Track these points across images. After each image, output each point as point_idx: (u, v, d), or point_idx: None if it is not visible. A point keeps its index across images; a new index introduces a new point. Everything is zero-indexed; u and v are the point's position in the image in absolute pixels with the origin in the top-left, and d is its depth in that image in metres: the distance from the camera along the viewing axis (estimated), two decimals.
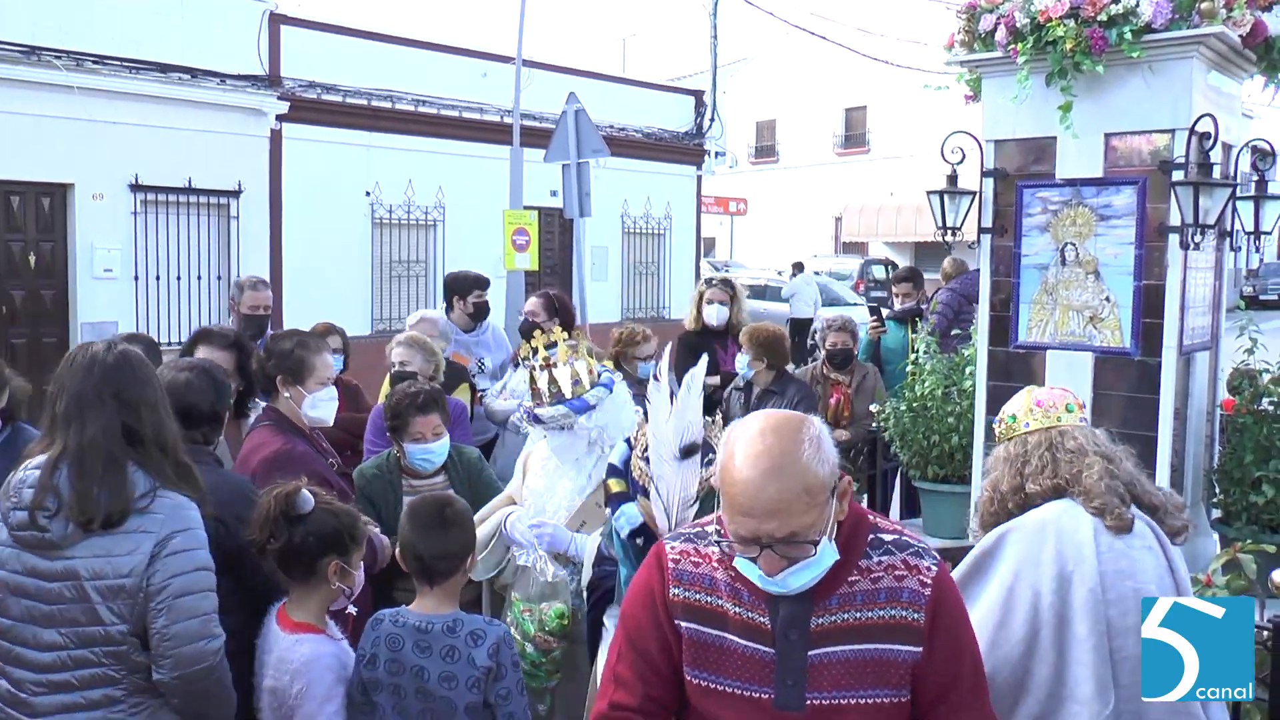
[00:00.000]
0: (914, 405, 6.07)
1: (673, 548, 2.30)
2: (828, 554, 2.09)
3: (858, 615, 2.15)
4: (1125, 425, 4.74)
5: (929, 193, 5.25)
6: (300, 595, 2.97)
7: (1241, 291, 29.32)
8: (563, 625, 3.70)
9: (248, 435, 3.92)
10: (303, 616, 2.97)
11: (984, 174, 5.04)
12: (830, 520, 2.09)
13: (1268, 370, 4.89)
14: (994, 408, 5.34)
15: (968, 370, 5.93)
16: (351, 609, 3.08)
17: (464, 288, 7.01)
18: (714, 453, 2.87)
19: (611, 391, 3.95)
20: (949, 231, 5.18)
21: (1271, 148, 4.98)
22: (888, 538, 2.22)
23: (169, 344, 12.52)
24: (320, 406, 3.84)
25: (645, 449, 3.16)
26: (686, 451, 3.01)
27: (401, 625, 2.93)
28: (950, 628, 2.18)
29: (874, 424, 6.32)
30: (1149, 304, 4.67)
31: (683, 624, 2.22)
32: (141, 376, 2.76)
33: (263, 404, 4.22)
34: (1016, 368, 5.19)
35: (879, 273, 28.12)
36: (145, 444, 2.69)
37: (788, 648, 2.15)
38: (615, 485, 3.43)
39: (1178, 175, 4.43)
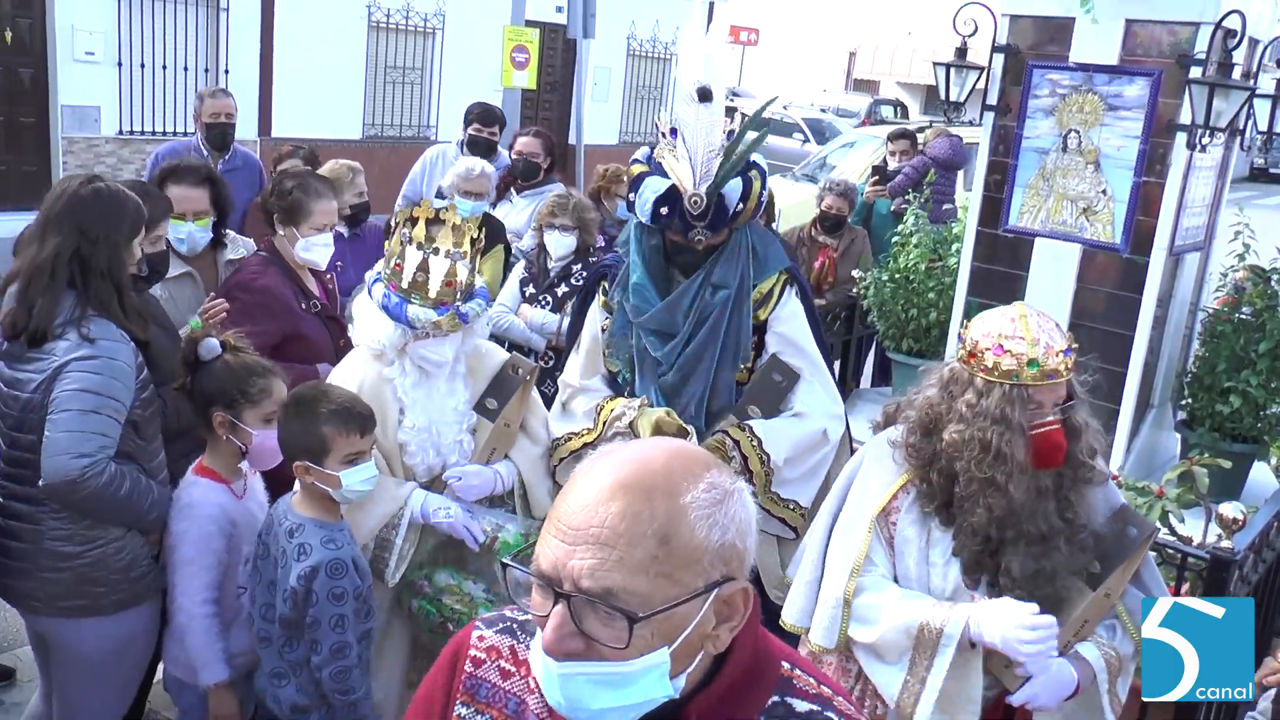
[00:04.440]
0: (896, 276, 5.98)
1: (480, 639, 1.51)
2: (653, 678, 1.26)
3: None
4: (1104, 322, 4.69)
5: (935, 64, 5.02)
6: (211, 443, 2.97)
7: (1252, 164, 26.59)
8: (526, 540, 3.07)
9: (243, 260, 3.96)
10: (211, 464, 2.96)
11: (995, 49, 4.81)
12: (686, 633, 1.26)
13: (1254, 279, 4.79)
14: (977, 290, 5.27)
15: (954, 247, 5.81)
16: (246, 467, 3.00)
17: (464, 119, 6.52)
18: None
19: (488, 305, 3.25)
20: (953, 107, 4.97)
21: None
22: (802, 707, 1.36)
23: (154, 133, 12.24)
24: (313, 250, 3.82)
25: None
26: (702, 95, 2.63)
27: (276, 509, 2.81)
28: None
29: (854, 289, 6.23)
30: (1145, 202, 4.53)
31: None
32: (111, 212, 2.84)
33: (238, 238, 4.22)
34: (1003, 252, 5.07)
35: (887, 113, 27.36)
36: (95, 275, 2.81)
37: None
38: (636, 168, 2.99)
39: (1195, 72, 4.23)
